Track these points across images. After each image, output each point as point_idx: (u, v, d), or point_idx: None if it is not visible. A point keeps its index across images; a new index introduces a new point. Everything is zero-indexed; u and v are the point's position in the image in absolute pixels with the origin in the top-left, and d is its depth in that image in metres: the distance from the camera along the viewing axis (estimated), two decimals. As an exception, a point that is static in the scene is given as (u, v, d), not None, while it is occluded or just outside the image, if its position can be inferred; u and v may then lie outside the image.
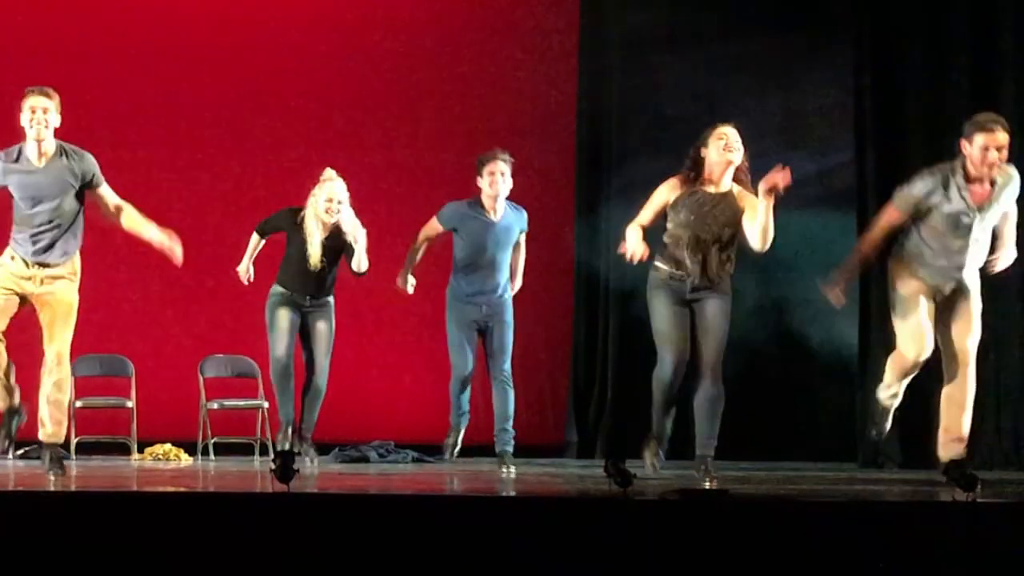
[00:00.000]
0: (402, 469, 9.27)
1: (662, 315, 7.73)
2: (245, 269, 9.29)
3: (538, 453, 10.48)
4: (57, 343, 7.59)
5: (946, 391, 7.63)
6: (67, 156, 7.59)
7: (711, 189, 7.68)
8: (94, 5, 10.98)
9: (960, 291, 7.57)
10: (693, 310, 7.70)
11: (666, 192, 7.74)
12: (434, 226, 8.98)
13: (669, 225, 7.73)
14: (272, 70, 11.02)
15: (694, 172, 7.70)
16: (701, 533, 5.70)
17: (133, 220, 7.84)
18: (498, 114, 11.00)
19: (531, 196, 10.62)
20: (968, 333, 7.60)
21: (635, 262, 7.65)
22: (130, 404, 10.17)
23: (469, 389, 9.07)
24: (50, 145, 7.56)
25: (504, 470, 8.77)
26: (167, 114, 10.92)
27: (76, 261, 7.64)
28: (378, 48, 11.09)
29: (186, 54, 10.92)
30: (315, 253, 8.97)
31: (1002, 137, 7.33)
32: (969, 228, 7.44)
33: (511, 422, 9.00)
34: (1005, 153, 7.36)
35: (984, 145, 7.32)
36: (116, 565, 5.55)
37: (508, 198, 8.92)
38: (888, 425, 7.90)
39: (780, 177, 7.27)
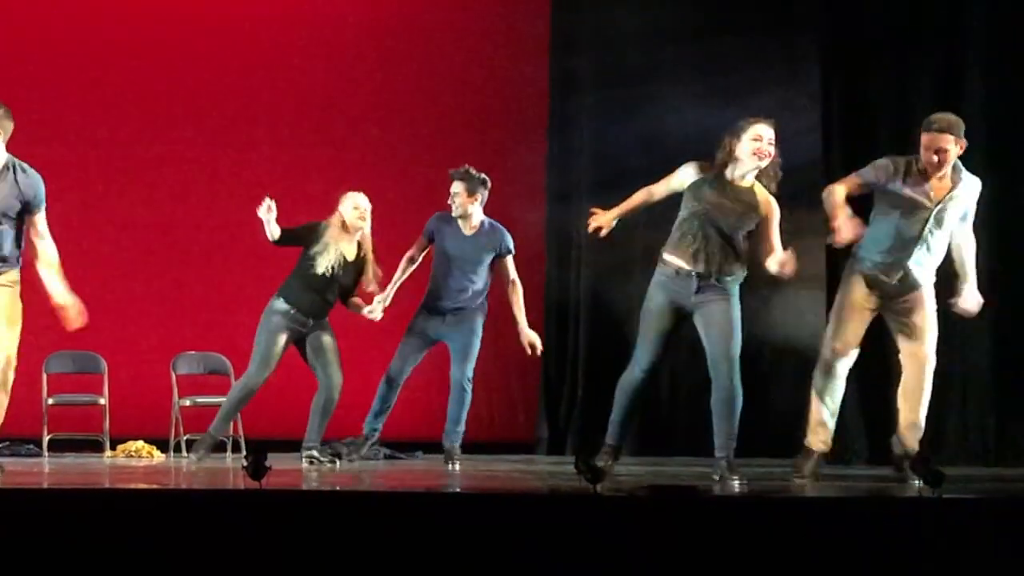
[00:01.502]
0: (374, 466, 9.30)
1: (651, 318, 7.67)
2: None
3: (509, 449, 10.54)
4: None
5: (904, 388, 7.72)
6: (16, 172, 7.25)
7: (733, 180, 7.60)
8: (68, 4, 10.99)
9: (915, 299, 7.65)
10: (695, 316, 7.61)
11: (689, 172, 7.64)
12: (420, 240, 9.20)
13: (683, 211, 7.66)
14: (245, 69, 11.03)
15: (721, 162, 7.60)
16: (670, 529, 5.74)
17: (48, 264, 7.42)
18: (470, 113, 11.05)
19: (502, 193, 10.68)
20: (923, 341, 7.67)
21: (597, 232, 7.71)
22: (102, 401, 10.18)
23: (395, 393, 9.15)
24: None
25: (451, 466, 8.91)
26: (142, 113, 10.92)
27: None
28: (350, 47, 11.11)
29: (161, 54, 10.93)
30: (327, 260, 8.70)
31: (940, 140, 7.37)
32: (924, 220, 7.51)
33: (463, 424, 9.17)
34: (945, 156, 7.38)
35: (925, 144, 7.43)
36: (88, 562, 5.56)
37: (493, 215, 9.14)
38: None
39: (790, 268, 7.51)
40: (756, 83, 10.12)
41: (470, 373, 9.16)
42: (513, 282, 9.13)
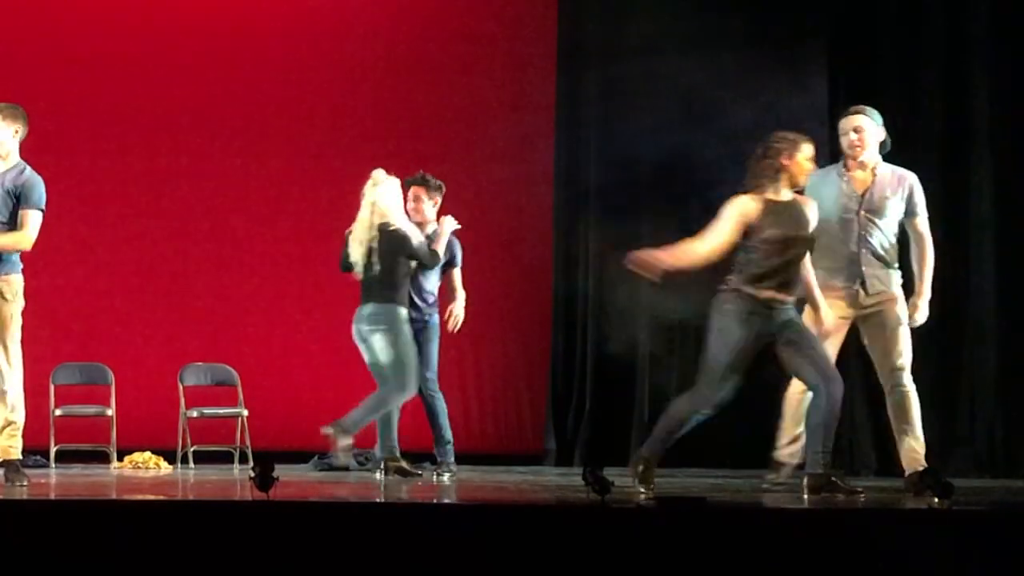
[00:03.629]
0: (381, 477, 9.28)
1: (731, 354, 7.10)
2: None
3: (517, 461, 10.53)
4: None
5: (890, 403, 7.60)
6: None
7: (782, 198, 7.18)
8: (75, 12, 10.99)
9: (879, 307, 7.56)
10: (778, 340, 7.14)
11: (743, 210, 7.11)
12: None
13: (755, 247, 7.11)
14: (251, 81, 11.03)
15: (771, 182, 7.15)
16: (678, 541, 5.74)
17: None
18: (478, 124, 11.02)
19: (510, 204, 10.70)
20: (896, 351, 7.53)
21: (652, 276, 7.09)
22: (110, 412, 10.17)
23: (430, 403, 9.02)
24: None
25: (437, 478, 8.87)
26: (147, 122, 10.91)
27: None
28: (358, 58, 11.10)
29: (166, 63, 10.92)
30: (356, 253, 8.69)
31: (855, 120, 7.62)
32: (855, 216, 7.52)
33: (447, 431, 9.00)
34: (862, 136, 7.57)
35: (843, 130, 7.67)
36: (95, 574, 5.56)
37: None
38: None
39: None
40: (762, 94, 10.12)
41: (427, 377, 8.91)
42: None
